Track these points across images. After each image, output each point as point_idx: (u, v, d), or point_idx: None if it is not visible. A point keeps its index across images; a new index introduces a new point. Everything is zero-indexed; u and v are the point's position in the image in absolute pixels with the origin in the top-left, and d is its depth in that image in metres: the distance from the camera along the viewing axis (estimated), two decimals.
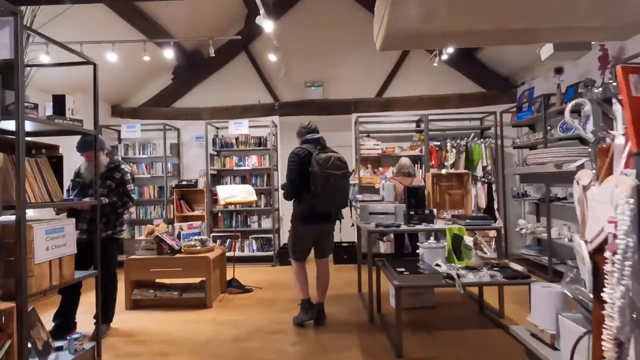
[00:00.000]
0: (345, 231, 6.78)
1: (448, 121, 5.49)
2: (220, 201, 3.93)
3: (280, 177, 5.78)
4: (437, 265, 2.63)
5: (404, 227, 3.14)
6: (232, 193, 4.02)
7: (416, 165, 5.17)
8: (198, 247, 3.62)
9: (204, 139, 5.58)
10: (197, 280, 3.64)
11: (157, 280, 3.68)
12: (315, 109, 5.82)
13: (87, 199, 2.67)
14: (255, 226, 5.52)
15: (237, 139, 5.58)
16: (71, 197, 2.88)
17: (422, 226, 3.14)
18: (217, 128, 5.80)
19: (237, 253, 5.35)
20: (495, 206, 4.72)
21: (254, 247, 5.43)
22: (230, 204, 3.97)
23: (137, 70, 5.42)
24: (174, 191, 5.46)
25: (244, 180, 5.59)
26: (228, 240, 5.46)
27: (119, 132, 5.62)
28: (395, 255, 4.51)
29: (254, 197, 4.15)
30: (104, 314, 2.90)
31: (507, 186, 5.28)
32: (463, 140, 5.09)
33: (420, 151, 5.24)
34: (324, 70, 5.91)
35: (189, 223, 3.96)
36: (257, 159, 5.52)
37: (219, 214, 5.54)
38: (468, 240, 2.85)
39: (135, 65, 5.25)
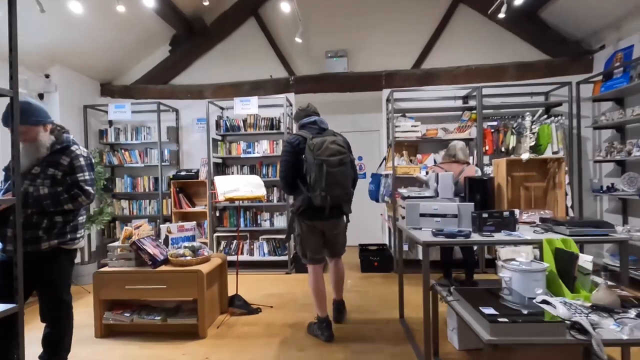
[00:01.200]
0: (372, 230, 5.95)
1: (505, 96, 4.40)
2: (218, 196, 3.03)
3: None
4: (545, 302, 1.64)
5: (476, 237, 2.14)
6: (235, 186, 3.12)
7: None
8: (188, 257, 2.74)
9: (206, 121, 4.69)
10: (189, 298, 2.77)
11: (140, 298, 2.84)
12: (337, 84, 4.83)
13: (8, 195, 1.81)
14: (266, 225, 4.62)
15: (244, 120, 4.66)
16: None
17: (504, 236, 2.14)
18: (222, 108, 4.90)
19: (246, 257, 4.48)
20: (569, 203, 3.65)
21: (265, 250, 4.54)
22: (232, 199, 3.07)
23: (130, 41, 4.56)
24: (171, 183, 4.61)
25: (252, 170, 4.68)
26: (234, 242, 4.60)
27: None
28: (444, 269, 3.51)
29: (262, 191, 3.23)
30: (54, 356, 2.07)
31: (584, 177, 4.17)
32: (526, 119, 4.00)
33: (470, 134, 4.19)
34: (349, 38, 4.90)
35: (180, 224, 3.08)
36: (269, 145, 4.60)
37: (225, 211, 4.68)
38: (586, 260, 1.84)
39: (127, 34, 4.39)
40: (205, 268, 2.69)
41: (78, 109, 4.55)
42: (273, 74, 4.93)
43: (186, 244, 2.86)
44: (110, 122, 5.01)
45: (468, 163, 3.49)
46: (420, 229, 2.42)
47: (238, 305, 3.08)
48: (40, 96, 4.15)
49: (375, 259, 4.29)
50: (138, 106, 4.86)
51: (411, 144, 4.57)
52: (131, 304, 2.82)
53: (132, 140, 4.79)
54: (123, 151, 4.81)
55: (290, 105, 4.77)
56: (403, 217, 3.42)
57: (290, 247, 4.49)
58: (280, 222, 4.65)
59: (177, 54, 4.99)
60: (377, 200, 4.55)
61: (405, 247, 4.23)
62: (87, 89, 4.78)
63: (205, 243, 4.58)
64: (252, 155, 4.60)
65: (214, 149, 4.59)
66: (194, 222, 3.21)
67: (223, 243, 4.60)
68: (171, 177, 4.64)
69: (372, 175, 4.71)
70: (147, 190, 4.78)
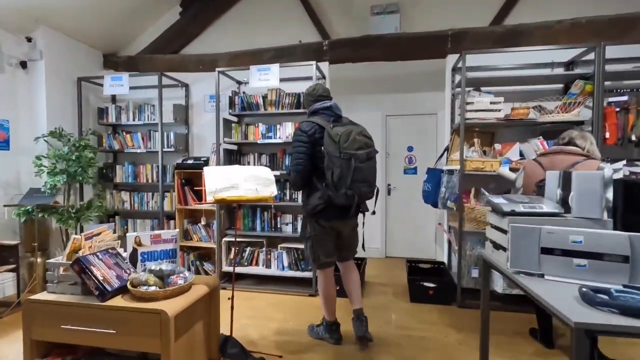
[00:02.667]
0: (424, 241, 4.96)
1: (636, 61, 3.01)
2: (206, 196, 2.07)
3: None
4: None
5: None
6: (232, 181, 2.15)
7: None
8: (153, 288, 1.82)
9: (216, 97, 3.79)
10: (150, 351, 1.85)
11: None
12: (384, 49, 3.68)
13: None
14: (287, 230, 3.64)
15: (264, 97, 3.69)
16: None
17: None
18: (239, 82, 3.96)
19: (260, 270, 3.55)
20: None
21: (285, 263, 3.57)
22: (225, 202, 2.09)
23: (135, 3, 3.74)
24: (175, 174, 3.78)
25: (273, 160, 3.70)
26: (247, 250, 3.67)
27: None
28: (542, 334, 2.32)
29: (271, 190, 2.24)
30: None
31: None
32: None
33: (579, 115, 2.87)
34: None
35: (155, 233, 2.17)
36: (294, 128, 3.59)
37: (239, 209, 3.76)
38: None
39: None
40: (175, 306, 1.75)
41: (71, 81, 3.83)
42: (302, 39, 3.89)
43: (153, 265, 1.93)
44: (114, 99, 4.27)
45: (587, 156, 2.21)
46: (542, 276, 1.28)
47: (231, 355, 2.13)
48: (23, 64, 3.46)
49: (430, 285, 3.14)
50: (141, 80, 4.07)
51: (486, 129, 3.33)
52: (76, 349, 1.97)
53: (134, 120, 4.01)
54: (124, 133, 4.05)
55: (323, 77, 3.71)
56: (493, 244, 2.27)
57: None
58: None
59: (189, 16, 4.12)
60: (434, 205, 3.38)
61: (475, 274, 3.05)
62: (85, 59, 4.06)
63: (212, 250, 3.71)
64: (272, 140, 3.62)
65: (226, 132, 3.67)
66: (176, 230, 2.28)
67: (233, 251, 3.69)
68: (175, 166, 3.80)
69: (428, 171, 3.54)
70: (149, 180, 3.99)
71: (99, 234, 2.14)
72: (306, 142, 2.14)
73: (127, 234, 2.14)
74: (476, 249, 3.05)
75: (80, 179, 3.39)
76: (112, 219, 4.13)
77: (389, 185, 4.78)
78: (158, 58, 4.16)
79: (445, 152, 3.51)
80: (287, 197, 3.65)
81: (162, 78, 3.85)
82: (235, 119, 3.92)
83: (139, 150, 3.98)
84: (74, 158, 3.34)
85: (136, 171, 4.05)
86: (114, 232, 2.27)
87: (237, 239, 3.62)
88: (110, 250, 2.03)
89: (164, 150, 3.87)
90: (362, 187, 2.08)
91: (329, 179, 2.04)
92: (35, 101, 3.54)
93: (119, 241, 2.17)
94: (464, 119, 3.00)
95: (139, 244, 2.15)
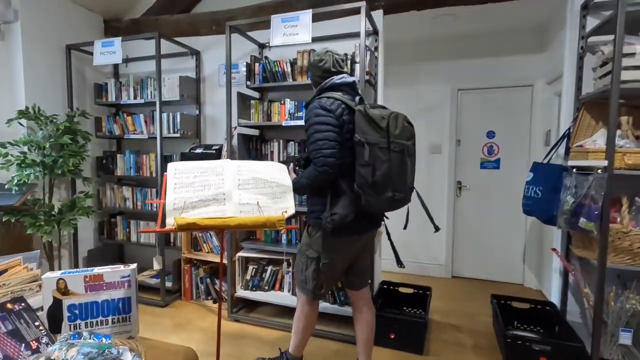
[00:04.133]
0: (509, 262, 3.40)
1: None
2: (166, 216, 1.14)
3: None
4: None
5: None
6: (212, 189, 1.18)
7: None
8: None
9: (227, 64, 2.88)
10: None
11: None
12: None
13: None
14: None
15: (293, 63, 2.69)
16: None
17: None
18: (261, 46, 3.00)
19: (283, 298, 2.62)
20: None
21: None
22: (197, 228, 1.14)
23: None
24: None
25: (304, 149, 2.72)
26: (269, 269, 2.75)
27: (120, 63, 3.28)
28: None
29: (283, 205, 1.26)
30: None
31: None
32: None
33: None
34: None
35: (94, 273, 1.29)
36: None
37: None
38: None
39: None
40: None
41: (59, 50, 3.10)
42: None
43: (86, 334, 1.05)
44: (116, 73, 3.52)
45: None
46: None
47: None
48: None
49: (542, 348, 1.99)
50: (145, 47, 3.25)
51: None
52: None
53: (135, 99, 3.22)
54: (125, 115, 3.28)
55: (374, 32, 2.62)
56: None
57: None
58: None
59: None
60: (547, 220, 2.20)
61: (626, 339, 1.85)
62: (81, 25, 3.31)
63: (224, 268, 2.85)
64: (302, 122, 2.61)
65: (243, 111, 2.74)
66: (130, 267, 1.37)
67: (251, 269, 2.78)
68: (181, 156, 2.96)
69: (534, 168, 2.35)
70: (154, 174, 3.20)
71: (4, 270, 1.30)
72: (336, 125, 1.54)
73: (44, 276, 1.27)
74: (630, 299, 1.85)
75: (60, 172, 2.65)
76: (113, 219, 3.43)
77: (458, 183, 3.59)
78: (163, 19, 3.30)
79: (563, 140, 2.28)
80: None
81: (165, 43, 2.99)
82: (255, 94, 2.97)
83: (141, 136, 3.19)
84: (47, 145, 2.60)
85: (139, 162, 3.28)
86: (38, 264, 1.42)
87: (257, 254, 2.72)
88: (10, 306, 1.19)
89: (167, 135, 3.03)
90: (409, 190, 1.61)
91: (367, 178, 1.49)
92: (12, 75, 2.85)
93: (40, 283, 1.32)
94: (617, 81, 1.77)
95: (65, 292, 1.28)
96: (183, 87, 3.06)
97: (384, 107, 1.62)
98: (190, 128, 3.16)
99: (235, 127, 2.76)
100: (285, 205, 1.24)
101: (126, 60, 3.45)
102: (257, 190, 1.23)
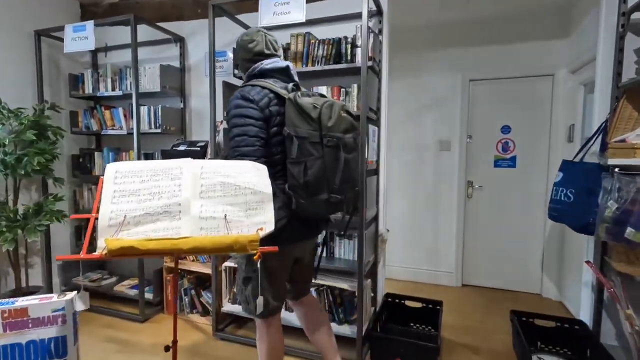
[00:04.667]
0: (526, 271, 3.11)
1: None
2: (88, 241, 0.84)
3: (384, 137, 2.48)
4: None
5: None
6: (164, 199, 0.86)
7: None
8: None
9: (210, 51, 2.59)
10: None
11: None
12: None
13: None
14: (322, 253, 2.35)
15: (286, 48, 2.38)
16: None
17: None
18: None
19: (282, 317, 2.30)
20: None
21: None
22: (138, 253, 0.83)
23: None
24: None
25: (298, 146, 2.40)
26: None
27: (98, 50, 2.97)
28: None
29: (260, 219, 0.94)
30: None
31: None
32: None
33: None
34: None
35: (15, 307, 0.99)
36: (331, 94, 2.27)
37: None
38: None
39: None
40: None
41: (26, 35, 2.79)
42: None
43: None
44: (95, 63, 3.22)
45: None
46: None
47: None
48: None
49: None
50: (123, 34, 2.95)
51: None
52: None
53: (113, 90, 2.91)
54: (103, 109, 2.98)
55: (378, 12, 2.30)
56: None
57: (366, 306, 2.15)
58: (349, 252, 2.34)
59: None
60: (581, 229, 1.88)
61: None
62: (51, 8, 3.00)
63: (207, 279, 2.56)
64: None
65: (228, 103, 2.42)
66: (67, 296, 1.06)
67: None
68: (161, 154, 2.66)
69: (564, 167, 2.03)
70: None
71: None
72: (259, 118, 1.33)
73: None
74: None
75: (23, 172, 2.35)
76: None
77: (469, 183, 3.28)
78: (144, 2, 2.99)
79: (599, 135, 1.96)
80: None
81: (147, 29, 2.69)
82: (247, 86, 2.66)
83: (120, 132, 2.88)
84: (6, 142, 2.30)
85: (118, 160, 2.97)
86: None
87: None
88: None
89: (147, 131, 2.73)
90: (349, 189, 1.38)
91: (298, 178, 1.29)
92: None
93: None
94: None
95: None
96: (165, 78, 2.75)
97: (322, 95, 1.40)
98: (174, 123, 2.86)
99: (222, 122, 2.45)
100: (261, 220, 0.93)
101: (106, 49, 3.16)
102: (225, 200, 0.93)
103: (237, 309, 2.42)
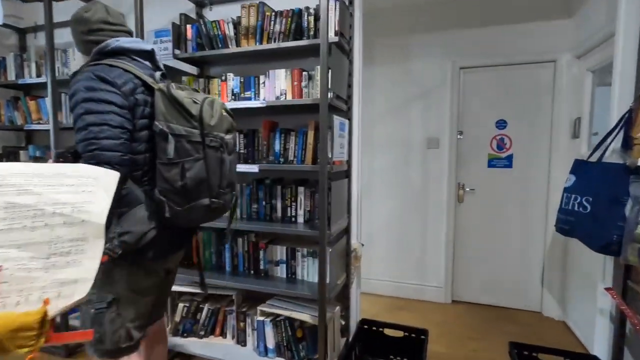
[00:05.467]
0: (520, 279, 2.77)
1: None
2: None
3: (357, 133, 2.04)
4: None
5: None
6: None
7: None
8: None
9: (165, 33, 2.15)
10: None
11: None
12: None
13: None
14: (279, 276, 1.93)
15: (236, 24, 1.94)
16: None
17: None
18: (200, 4, 2.23)
19: (225, 348, 1.89)
20: None
21: (269, 343, 1.86)
22: None
23: None
24: None
25: (253, 142, 1.96)
26: (205, 307, 2.00)
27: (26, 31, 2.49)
28: None
29: (70, 276, 0.48)
30: None
31: None
32: None
33: None
34: None
35: None
36: (290, 79, 1.84)
37: (193, 232, 2.08)
38: None
39: None
40: None
41: None
42: None
43: None
44: (24, 47, 2.74)
45: None
46: None
47: None
48: None
49: None
50: (59, 13, 2.46)
51: None
52: None
53: (38, 77, 2.44)
54: (28, 100, 2.50)
55: None
56: None
57: (334, 340, 1.73)
58: (314, 273, 1.91)
59: None
60: (600, 247, 1.47)
61: None
62: None
63: None
64: (251, 103, 1.86)
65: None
66: None
67: (182, 308, 2.03)
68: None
69: (577, 168, 1.63)
70: None
71: None
72: (123, 105, 1.04)
73: None
74: None
75: None
76: None
77: (460, 185, 2.88)
78: None
79: (621, 129, 1.56)
80: (278, 212, 1.93)
81: (77, 3, 2.21)
82: (193, 69, 2.22)
83: (46, 127, 2.41)
84: None
85: (45, 161, 2.50)
86: None
87: (190, 288, 1.98)
88: None
89: (71, 126, 2.26)
90: (228, 193, 1.20)
91: (173, 182, 1.06)
92: None
93: None
94: None
95: None
96: None
97: (196, 90, 1.23)
98: None
99: None
100: (72, 276, 0.49)
101: (35, 29, 2.68)
102: (13, 236, 0.49)
103: (178, 342, 1.98)
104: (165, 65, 1.96)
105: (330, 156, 1.63)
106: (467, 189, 2.88)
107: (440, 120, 2.86)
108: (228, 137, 1.15)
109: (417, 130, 2.93)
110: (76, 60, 2.34)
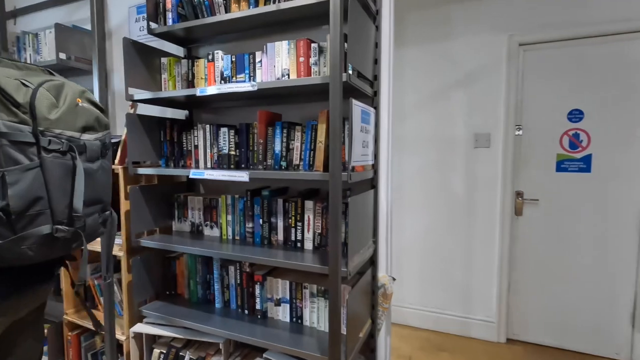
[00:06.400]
0: (602, 315, 2.15)
1: None
2: None
3: (386, 126, 1.48)
4: None
5: None
6: None
7: None
8: None
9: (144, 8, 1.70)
10: None
11: None
12: None
13: None
14: (280, 317, 1.44)
15: None
16: None
17: None
18: None
19: None
20: None
21: None
22: None
23: None
24: None
25: (247, 139, 1.47)
26: (187, 356, 1.54)
27: None
28: None
29: None
30: None
31: None
32: None
33: None
34: None
35: None
36: (295, 54, 1.34)
37: (173, 257, 1.63)
38: None
39: None
40: None
41: None
42: None
43: None
44: (2, 33, 2.42)
45: None
46: None
47: None
48: None
49: None
50: None
51: None
52: None
53: None
54: None
55: None
56: None
57: None
58: (323, 318, 1.39)
59: None
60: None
61: None
62: None
63: (117, 346, 1.67)
64: (243, 87, 1.37)
65: (150, 74, 1.56)
66: None
67: (159, 355, 1.58)
68: None
69: None
70: None
71: None
72: None
73: None
74: None
75: None
76: None
77: (519, 195, 2.26)
78: None
79: None
80: (279, 234, 1.44)
81: None
82: (180, 51, 1.79)
83: None
84: None
85: None
86: None
87: (168, 331, 1.53)
88: None
89: None
90: (92, 214, 0.87)
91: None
92: None
93: None
94: None
95: None
96: (67, 45, 1.90)
97: (50, 72, 0.87)
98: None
99: (132, 105, 1.58)
100: None
101: (13, 14, 2.35)
102: None
103: None
104: (143, 46, 1.54)
105: (347, 159, 1.11)
106: (528, 199, 2.26)
107: (492, 111, 2.26)
108: (86, 137, 0.83)
109: (460, 124, 2.35)
110: (47, 44, 1.97)
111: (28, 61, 2.04)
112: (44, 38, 2.00)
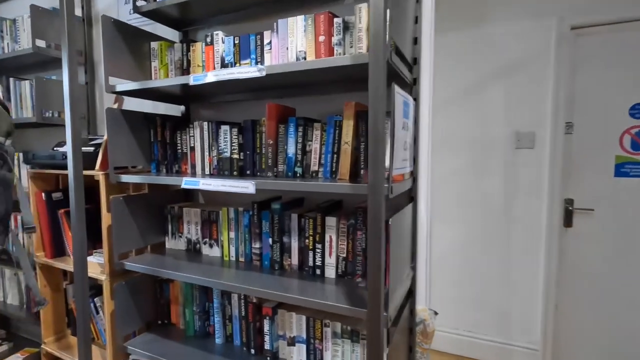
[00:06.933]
0: None
1: None
2: None
3: (426, 121, 1.17)
4: None
5: None
6: None
7: None
8: None
9: None
10: None
11: None
12: None
13: None
14: None
15: None
16: None
17: None
18: None
19: None
20: None
21: None
22: None
23: None
24: (28, 178, 1.52)
25: (254, 138, 1.19)
26: None
27: None
28: None
29: None
30: None
31: None
32: None
33: None
34: None
35: None
36: (315, 36, 1.05)
37: (165, 282, 1.36)
38: None
39: None
40: None
41: None
42: None
43: None
44: None
45: None
46: None
47: None
48: None
49: None
50: None
51: None
52: None
53: None
54: None
55: None
56: None
57: None
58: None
59: None
60: None
61: None
62: None
63: None
64: (250, 73, 1.08)
65: (138, 62, 1.29)
66: None
67: None
68: (29, 165, 1.53)
69: None
70: None
71: None
72: None
73: None
74: None
75: None
76: None
77: (569, 202, 1.95)
78: None
79: None
80: (293, 257, 1.16)
81: None
82: (176, 35, 1.52)
83: None
84: None
85: None
86: None
87: None
88: None
89: (15, 121, 1.64)
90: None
91: None
92: None
93: None
94: None
95: None
96: (46, 31, 1.65)
97: None
98: (71, 107, 1.73)
99: (116, 99, 1.32)
100: None
101: None
102: None
103: None
104: (128, 26, 1.27)
105: (388, 164, 0.83)
106: (580, 208, 1.94)
107: (537, 107, 1.95)
108: (8, 143, 0.82)
109: (499, 122, 2.04)
110: (26, 31, 1.72)
111: (5, 51, 1.79)
112: (22, 24, 1.75)
